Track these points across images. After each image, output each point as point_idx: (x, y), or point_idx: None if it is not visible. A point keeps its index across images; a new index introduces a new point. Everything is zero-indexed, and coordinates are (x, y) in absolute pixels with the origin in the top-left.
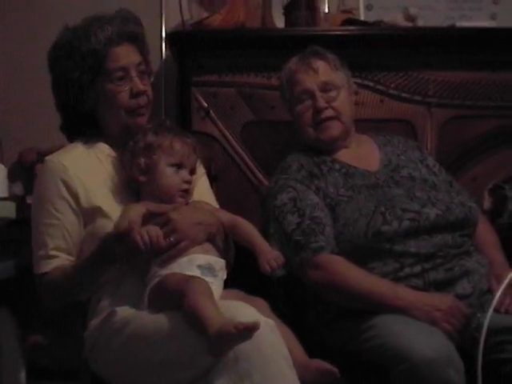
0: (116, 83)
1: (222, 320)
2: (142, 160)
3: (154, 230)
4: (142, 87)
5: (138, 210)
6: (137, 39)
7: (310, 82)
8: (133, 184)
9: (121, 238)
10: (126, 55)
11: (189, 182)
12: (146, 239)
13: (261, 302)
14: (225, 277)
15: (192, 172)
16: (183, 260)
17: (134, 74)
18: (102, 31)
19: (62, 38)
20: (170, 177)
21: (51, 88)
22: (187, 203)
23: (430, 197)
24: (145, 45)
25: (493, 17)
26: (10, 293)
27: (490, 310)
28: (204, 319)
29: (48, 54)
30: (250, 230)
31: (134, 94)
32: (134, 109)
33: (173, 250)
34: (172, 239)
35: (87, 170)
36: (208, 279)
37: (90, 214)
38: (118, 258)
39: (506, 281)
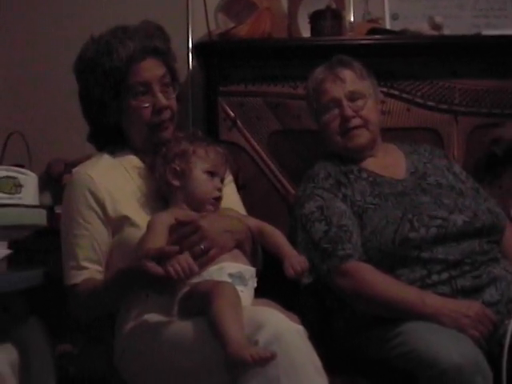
0: (139, 99)
1: (241, 342)
2: (177, 164)
3: (184, 259)
4: (164, 102)
5: (166, 220)
6: (160, 52)
7: (337, 91)
8: (164, 189)
9: (154, 259)
10: (148, 70)
11: (220, 190)
12: (177, 268)
13: (294, 316)
14: (255, 285)
15: (222, 181)
16: (213, 268)
17: (156, 88)
18: (124, 48)
19: (85, 52)
20: (205, 183)
21: (78, 98)
22: (216, 211)
23: (457, 203)
24: (170, 55)
25: None
26: (39, 302)
27: None
28: (224, 336)
29: (73, 65)
30: (276, 235)
31: (157, 110)
32: (157, 124)
33: (202, 258)
34: (202, 247)
35: (114, 180)
36: (239, 288)
37: (118, 224)
38: (149, 282)
39: None
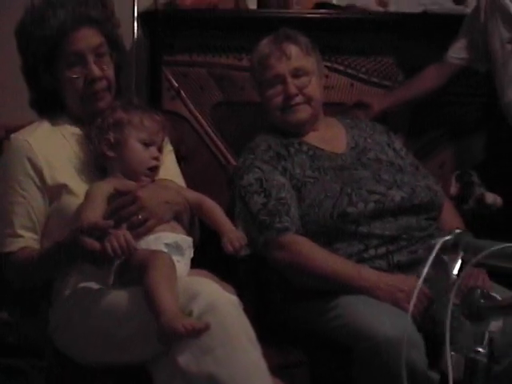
0: (71, 69)
1: (174, 311)
2: (112, 135)
3: (122, 235)
4: (96, 73)
5: (105, 189)
6: (96, 21)
7: (281, 67)
8: (100, 160)
9: (89, 233)
10: (82, 40)
11: (157, 159)
12: (114, 245)
13: (229, 287)
14: (192, 255)
15: (160, 150)
16: (150, 238)
17: (90, 59)
18: (55, 17)
19: (24, 18)
20: (139, 153)
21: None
22: (153, 181)
23: (395, 179)
24: (108, 23)
25: (464, 3)
26: None
27: (420, 281)
28: (158, 306)
29: (14, 32)
30: (214, 209)
31: (90, 81)
32: (89, 95)
33: (140, 228)
34: (140, 217)
35: (52, 147)
36: (175, 257)
37: (55, 192)
38: (85, 255)
39: (436, 249)
